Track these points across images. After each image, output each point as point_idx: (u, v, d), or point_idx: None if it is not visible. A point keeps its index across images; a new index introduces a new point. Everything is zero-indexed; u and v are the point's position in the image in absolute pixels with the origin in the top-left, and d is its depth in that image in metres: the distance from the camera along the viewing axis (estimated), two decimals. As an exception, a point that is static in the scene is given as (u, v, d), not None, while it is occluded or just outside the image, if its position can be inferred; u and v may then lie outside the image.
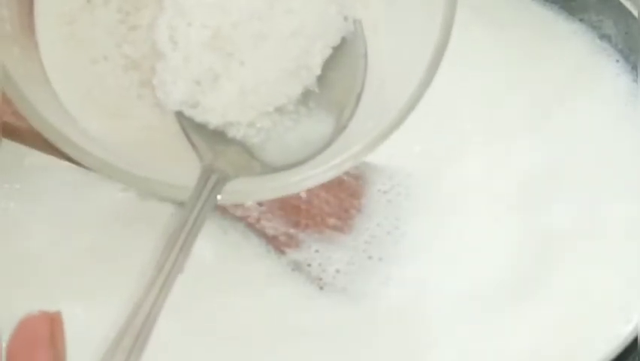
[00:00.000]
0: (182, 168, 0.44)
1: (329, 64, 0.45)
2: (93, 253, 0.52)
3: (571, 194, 0.54)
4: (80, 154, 0.40)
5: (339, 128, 0.44)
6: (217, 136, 0.43)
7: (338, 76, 0.45)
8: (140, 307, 0.37)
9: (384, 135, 0.42)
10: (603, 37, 0.60)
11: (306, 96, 0.44)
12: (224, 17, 0.43)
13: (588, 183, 0.54)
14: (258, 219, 0.52)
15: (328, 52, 0.45)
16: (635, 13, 0.57)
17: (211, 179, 0.41)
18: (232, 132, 0.43)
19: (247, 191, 0.43)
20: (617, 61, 0.59)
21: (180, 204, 0.45)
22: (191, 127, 0.43)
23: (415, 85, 0.42)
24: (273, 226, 0.52)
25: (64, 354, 0.36)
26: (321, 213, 0.52)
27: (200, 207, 0.40)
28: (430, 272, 0.51)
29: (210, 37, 0.43)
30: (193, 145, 0.43)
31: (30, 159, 0.53)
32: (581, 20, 0.61)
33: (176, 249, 0.39)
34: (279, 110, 0.44)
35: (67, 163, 0.43)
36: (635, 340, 0.47)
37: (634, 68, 0.58)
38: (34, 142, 0.43)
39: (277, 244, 0.52)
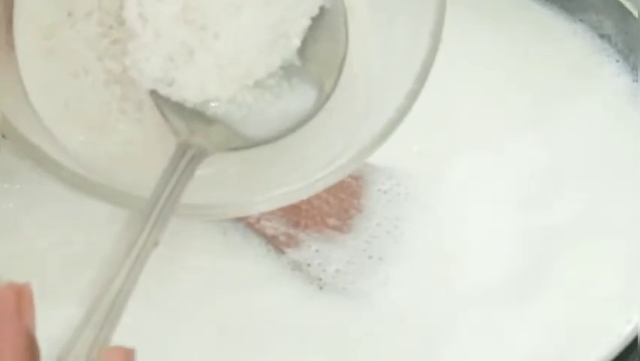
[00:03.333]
0: None
1: (309, 36, 0.44)
2: (93, 253, 0.51)
3: (571, 194, 0.54)
4: (55, 169, 0.40)
5: (322, 100, 0.44)
6: (196, 115, 0.43)
7: (319, 47, 0.45)
8: (113, 281, 0.36)
9: (373, 147, 0.42)
10: (603, 37, 0.60)
11: (288, 70, 0.44)
12: None
13: (588, 182, 0.54)
14: (258, 220, 0.52)
15: (307, 22, 0.44)
16: (635, 13, 0.57)
17: (187, 154, 0.40)
18: (212, 110, 0.43)
19: (235, 206, 0.43)
20: (617, 61, 0.59)
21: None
22: (167, 107, 0.43)
23: (402, 96, 0.42)
24: (273, 226, 0.52)
25: (33, 327, 0.35)
26: (321, 213, 0.52)
27: (175, 181, 0.39)
28: (429, 272, 0.51)
29: (181, 10, 0.42)
30: (168, 123, 0.43)
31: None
32: (581, 20, 0.61)
33: (150, 222, 0.38)
34: (260, 84, 0.44)
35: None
36: (635, 340, 0.47)
37: (634, 68, 0.58)
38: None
39: (277, 244, 0.52)
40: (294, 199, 0.43)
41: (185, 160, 0.40)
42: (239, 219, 0.52)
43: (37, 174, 0.54)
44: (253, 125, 0.43)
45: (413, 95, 0.42)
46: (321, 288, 0.51)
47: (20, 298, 0.35)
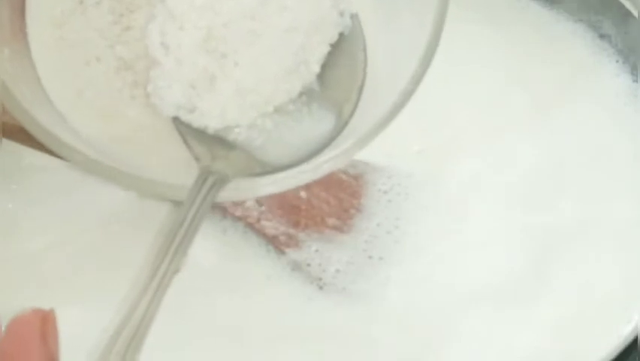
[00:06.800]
0: (175, 168, 0.43)
1: (329, 62, 0.45)
2: (92, 253, 0.52)
3: (571, 194, 0.54)
4: (69, 153, 0.40)
5: (341, 125, 0.44)
6: (217, 141, 0.43)
7: (338, 73, 0.45)
8: (136, 308, 0.37)
9: (377, 130, 0.42)
10: (603, 37, 0.60)
11: (308, 96, 0.44)
12: (216, 18, 0.43)
13: (588, 182, 0.54)
14: (258, 219, 0.52)
15: (326, 48, 0.45)
16: (635, 13, 0.57)
17: (208, 180, 0.41)
18: (233, 136, 0.43)
19: (242, 188, 0.43)
20: (617, 61, 0.59)
21: (177, 203, 0.45)
22: (189, 133, 0.43)
23: (406, 80, 0.42)
24: (273, 225, 0.52)
25: (57, 352, 0.36)
26: (321, 213, 0.52)
27: (197, 207, 0.40)
28: (430, 272, 0.51)
29: (202, 39, 0.43)
30: (190, 149, 0.43)
31: (29, 159, 0.53)
32: (580, 20, 0.61)
33: (172, 249, 0.38)
34: (280, 110, 0.44)
35: (66, 163, 0.43)
36: (635, 340, 0.47)
37: (634, 68, 0.58)
38: (33, 142, 0.43)
39: (277, 244, 0.52)
40: (300, 182, 0.43)
41: (207, 187, 0.40)
42: (239, 219, 0.52)
43: (36, 174, 0.54)
44: (273, 151, 0.43)
45: (417, 79, 0.42)
46: (321, 288, 0.51)
47: (45, 323, 0.36)
